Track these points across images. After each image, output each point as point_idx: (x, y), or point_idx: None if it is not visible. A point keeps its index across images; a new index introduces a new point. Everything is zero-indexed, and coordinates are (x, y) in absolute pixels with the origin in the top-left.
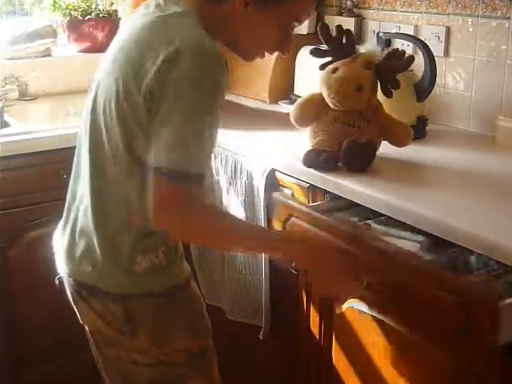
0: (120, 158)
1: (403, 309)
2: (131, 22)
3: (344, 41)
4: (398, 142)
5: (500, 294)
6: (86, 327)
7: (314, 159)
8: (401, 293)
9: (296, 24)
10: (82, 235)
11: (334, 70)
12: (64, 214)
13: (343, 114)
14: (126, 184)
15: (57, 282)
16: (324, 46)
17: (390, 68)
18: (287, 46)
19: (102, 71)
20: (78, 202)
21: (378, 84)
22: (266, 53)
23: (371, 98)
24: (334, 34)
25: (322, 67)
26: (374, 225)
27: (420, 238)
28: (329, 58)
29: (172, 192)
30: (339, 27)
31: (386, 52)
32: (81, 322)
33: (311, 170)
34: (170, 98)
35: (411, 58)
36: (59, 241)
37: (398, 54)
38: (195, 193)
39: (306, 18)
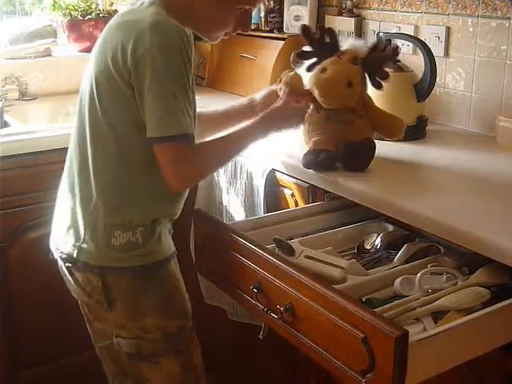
0: (97, 135)
1: (320, 337)
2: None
3: (328, 40)
4: (391, 135)
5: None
6: (78, 300)
7: (313, 160)
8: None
9: (248, 5)
10: (72, 207)
11: (323, 70)
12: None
13: (335, 112)
14: (102, 159)
15: (51, 256)
16: (308, 47)
17: (376, 60)
18: (246, 26)
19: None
20: (71, 177)
21: (367, 78)
22: (228, 32)
23: (362, 93)
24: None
25: (309, 69)
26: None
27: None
28: (314, 59)
29: (171, 151)
30: (321, 27)
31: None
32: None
33: (311, 170)
34: (144, 74)
35: (396, 47)
36: (55, 216)
37: (381, 45)
38: (186, 145)
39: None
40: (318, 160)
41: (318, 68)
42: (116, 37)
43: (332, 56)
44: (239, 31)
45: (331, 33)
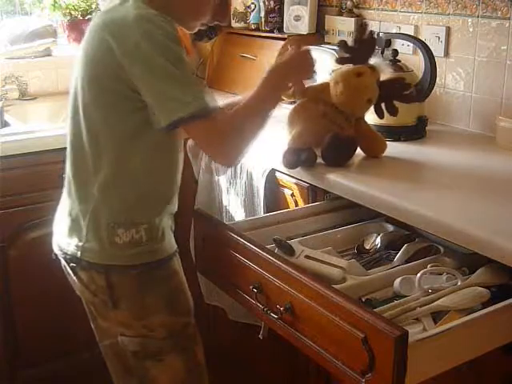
0: (94, 138)
1: (320, 337)
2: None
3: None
4: (370, 152)
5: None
6: (82, 299)
7: (296, 160)
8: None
9: None
10: (71, 209)
11: (359, 75)
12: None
13: (333, 112)
14: (101, 161)
15: (53, 256)
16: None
17: (391, 93)
18: (222, 16)
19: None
20: (68, 180)
21: None
22: (205, 22)
23: None
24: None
25: (341, 62)
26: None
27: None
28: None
29: (205, 128)
30: (361, 27)
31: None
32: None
33: (311, 170)
34: (137, 67)
35: (416, 97)
36: (56, 218)
37: (402, 83)
38: (217, 119)
39: None
40: (300, 160)
41: (354, 68)
42: (102, 37)
43: (368, 58)
44: (217, 22)
45: (370, 35)
